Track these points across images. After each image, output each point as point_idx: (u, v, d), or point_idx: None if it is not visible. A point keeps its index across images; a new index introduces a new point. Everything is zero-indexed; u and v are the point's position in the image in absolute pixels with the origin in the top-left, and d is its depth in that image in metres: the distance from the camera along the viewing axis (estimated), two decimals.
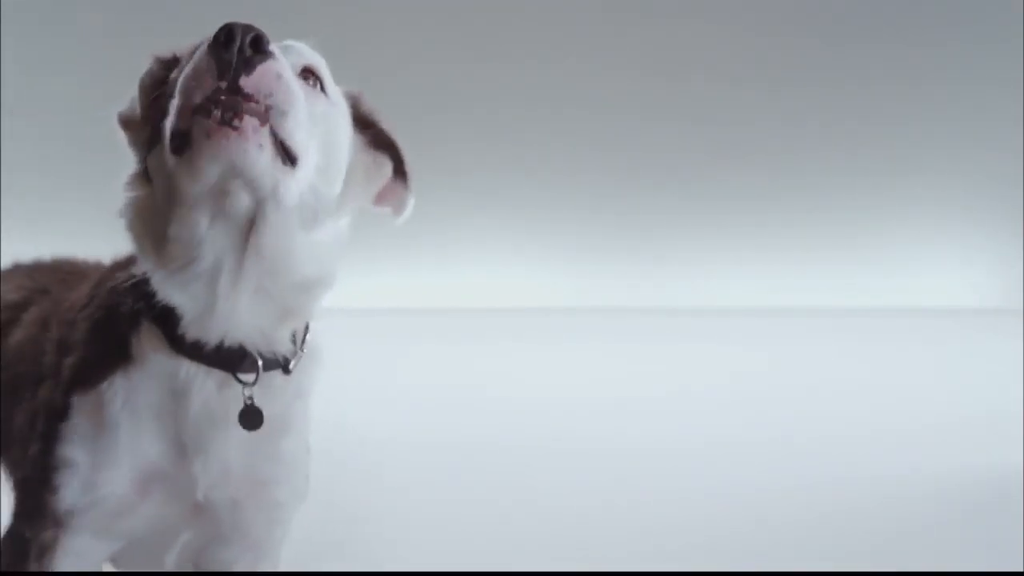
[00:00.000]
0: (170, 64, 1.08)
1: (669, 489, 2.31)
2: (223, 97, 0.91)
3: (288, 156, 0.95)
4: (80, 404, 1.08)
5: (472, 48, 5.37)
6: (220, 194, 0.96)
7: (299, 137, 0.96)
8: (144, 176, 1.07)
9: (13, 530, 1.15)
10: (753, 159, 5.61)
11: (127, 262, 1.15)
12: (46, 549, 1.09)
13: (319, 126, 1.01)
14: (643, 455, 2.61)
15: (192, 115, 0.92)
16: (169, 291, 1.03)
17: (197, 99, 0.91)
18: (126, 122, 1.12)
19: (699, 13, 5.56)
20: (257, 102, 0.91)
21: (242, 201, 0.96)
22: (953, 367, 3.89)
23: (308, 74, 1.04)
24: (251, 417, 1.06)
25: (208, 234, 0.98)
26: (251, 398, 1.06)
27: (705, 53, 5.58)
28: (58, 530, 1.07)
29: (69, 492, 1.06)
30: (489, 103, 5.37)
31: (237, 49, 0.91)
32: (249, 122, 0.91)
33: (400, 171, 1.17)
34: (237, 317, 1.02)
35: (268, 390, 1.08)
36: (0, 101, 4.96)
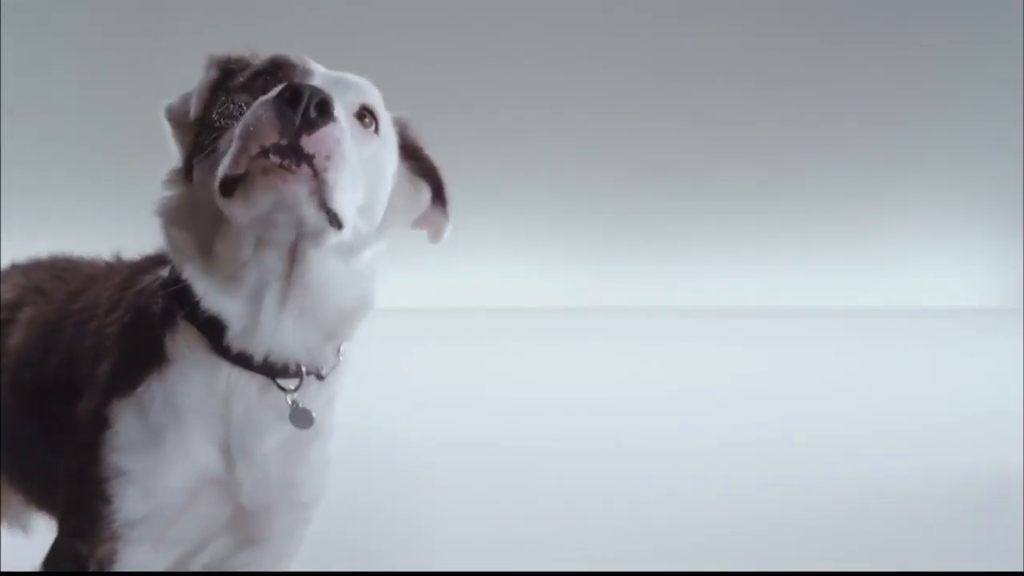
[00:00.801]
0: (227, 65, 1.08)
1: (669, 489, 2.31)
2: (284, 150, 0.95)
3: (333, 220, 0.98)
4: (121, 410, 1.09)
5: (472, 48, 5.36)
6: (267, 223, 1.00)
7: (344, 204, 1.00)
8: (186, 175, 1.08)
9: (62, 548, 1.12)
10: (753, 159, 5.60)
11: (148, 264, 1.15)
12: (105, 563, 1.07)
13: (367, 169, 1.03)
14: (642, 455, 2.61)
15: (251, 160, 0.96)
16: (214, 301, 1.05)
17: (255, 150, 0.93)
18: (175, 116, 1.13)
19: (698, 13, 5.55)
20: (314, 161, 0.94)
21: (286, 234, 1.01)
22: (953, 367, 3.89)
23: (364, 112, 1.06)
24: (302, 417, 1.08)
25: (254, 258, 1.00)
26: (296, 401, 1.08)
27: (705, 53, 5.57)
28: (115, 543, 1.07)
29: (126, 502, 1.06)
30: (489, 103, 5.36)
31: (303, 110, 0.91)
32: (305, 170, 0.95)
33: (439, 197, 1.19)
34: (282, 337, 1.05)
35: (304, 395, 1.09)
36: (0, 101, 4.95)
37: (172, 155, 1.11)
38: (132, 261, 1.24)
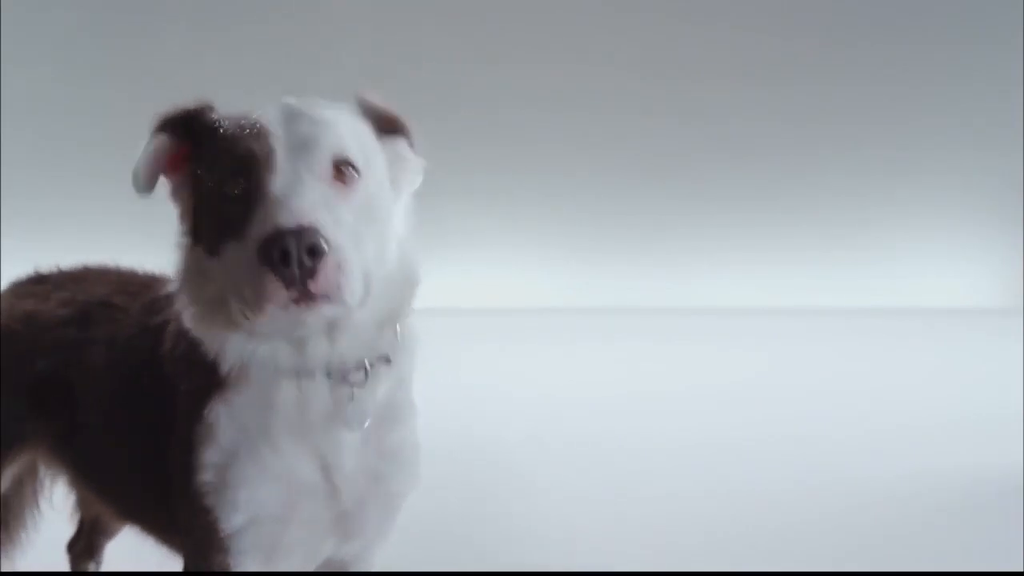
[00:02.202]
0: (179, 122, 1.04)
1: (668, 488, 2.31)
2: (296, 299, 0.94)
3: (351, 301, 0.99)
4: (200, 431, 1.10)
5: (473, 49, 5.37)
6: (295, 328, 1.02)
7: (357, 285, 0.99)
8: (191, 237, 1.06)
9: (190, 568, 1.17)
10: (752, 159, 5.62)
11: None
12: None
13: (363, 217, 1.01)
14: (641, 455, 2.62)
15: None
16: (252, 352, 1.05)
17: (268, 309, 0.95)
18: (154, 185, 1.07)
19: (699, 13, 5.57)
20: (327, 295, 0.95)
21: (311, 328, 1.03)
22: (953, 367, 3.89)
23: (340, 167, 1.01)
24: (356, 417, 1.08)
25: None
26: (353, 396, 1.08)
27: (705, 53, 5.59)
28: (226, 555, 1.10)
29: (227, 513, 1.08)
30: (489, 103, 5.37)
31: (297, 264, 0.93)
32: (319, 301, 0.95)
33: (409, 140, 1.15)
34: (338, 352, 1.05)
35: (372, 381, 1.08)
36: (0, 101, 4.96)
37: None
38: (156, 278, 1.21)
